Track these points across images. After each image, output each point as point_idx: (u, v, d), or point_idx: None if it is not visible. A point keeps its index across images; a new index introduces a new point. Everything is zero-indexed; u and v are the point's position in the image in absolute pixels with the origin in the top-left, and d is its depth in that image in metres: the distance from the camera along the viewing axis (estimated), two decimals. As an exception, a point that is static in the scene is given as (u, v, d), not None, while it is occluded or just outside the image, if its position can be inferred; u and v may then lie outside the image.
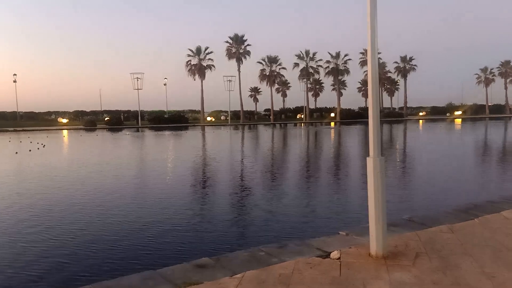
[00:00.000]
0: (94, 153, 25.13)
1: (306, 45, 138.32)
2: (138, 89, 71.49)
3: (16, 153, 24.62)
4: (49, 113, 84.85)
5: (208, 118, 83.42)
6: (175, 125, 67.85)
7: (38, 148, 27.00)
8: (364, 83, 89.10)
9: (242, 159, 20.74)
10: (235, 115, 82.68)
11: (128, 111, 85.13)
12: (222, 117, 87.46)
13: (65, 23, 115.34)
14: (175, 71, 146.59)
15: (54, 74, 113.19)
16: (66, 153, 27.00)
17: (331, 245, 5.38)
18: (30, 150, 25.63)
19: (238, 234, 7.75)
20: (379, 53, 6.13)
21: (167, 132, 49.51)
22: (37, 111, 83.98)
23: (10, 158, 22.21)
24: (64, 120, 76.15)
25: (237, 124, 74.97)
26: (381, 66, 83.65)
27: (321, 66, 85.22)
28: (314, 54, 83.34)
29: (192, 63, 77.36)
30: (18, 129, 60.87)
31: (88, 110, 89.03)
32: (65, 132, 55.64)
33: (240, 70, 78.10)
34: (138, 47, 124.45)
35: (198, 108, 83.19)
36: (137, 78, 71.37)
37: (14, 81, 71.34)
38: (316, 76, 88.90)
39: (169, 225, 8.09)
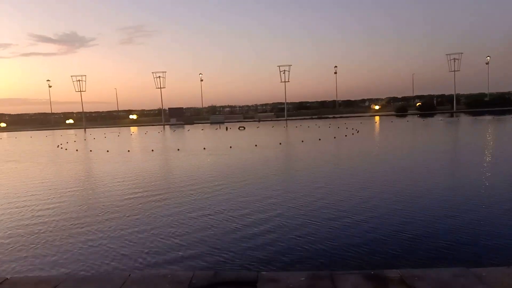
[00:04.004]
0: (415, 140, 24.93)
1: None
2: (454, 70, 66.91)
3: (334, 137, 27.36)
4: (363, 100, 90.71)
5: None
6: (497, 108, 59.45)
7: (352, 134, 29.25)
8: None
9: None
10: None
11: (442, 95, 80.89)
12: None
13: (377, 17, 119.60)
14: (498, 47, 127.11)
15: (371, 63, 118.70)
16: (376, 139, 28.01)
17: None
18: (345, 135, 28.29)
19: None
20: None
21: (487, 117, 43.92)
22: (353, 99, 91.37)
23: (335, 141, 25.05)
24: (376, 107, 79.29)
25: None
26: None
27: None
28: None
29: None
30: (336, 116, 68.22)
31: (399, 96, 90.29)
32: (376, 118, 58.02)
33: None
34: (454, 24, 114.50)
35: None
36: (454, 58, 66.73)
37: (335, 73, 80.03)
38: None
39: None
